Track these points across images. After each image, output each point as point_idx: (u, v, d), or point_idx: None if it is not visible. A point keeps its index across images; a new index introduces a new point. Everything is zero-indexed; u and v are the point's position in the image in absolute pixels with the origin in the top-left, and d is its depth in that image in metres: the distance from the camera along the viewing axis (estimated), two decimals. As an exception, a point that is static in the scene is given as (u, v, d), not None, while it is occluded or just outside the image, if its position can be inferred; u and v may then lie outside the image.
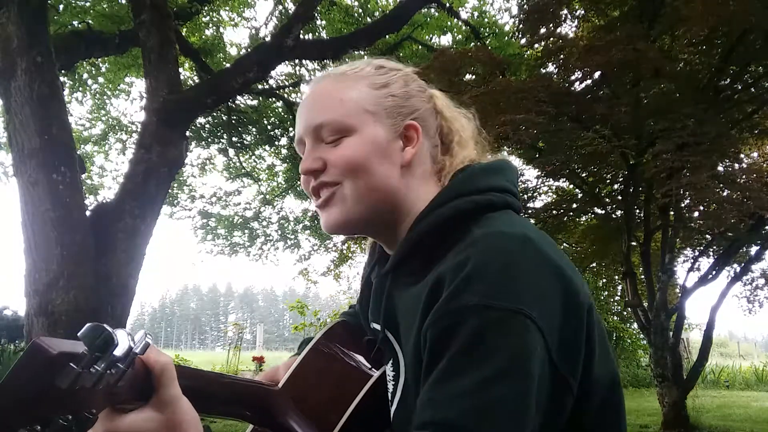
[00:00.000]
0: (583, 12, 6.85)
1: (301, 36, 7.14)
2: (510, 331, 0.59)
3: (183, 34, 8.67)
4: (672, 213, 6.04)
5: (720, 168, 5.74)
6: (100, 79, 10.44)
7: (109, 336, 0.48)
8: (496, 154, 0.86)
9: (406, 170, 0.77)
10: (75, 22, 8.32)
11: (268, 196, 12.74)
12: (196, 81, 9.73)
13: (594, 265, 9.03)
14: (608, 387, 0.68)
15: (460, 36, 10.52)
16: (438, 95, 0.86)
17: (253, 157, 12.49)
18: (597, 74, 6.19)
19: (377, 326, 0.82)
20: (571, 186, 7.83)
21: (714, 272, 6.36)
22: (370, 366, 0.83)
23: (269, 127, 11.45)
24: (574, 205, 8.02)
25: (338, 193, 0.76)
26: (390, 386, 0.77)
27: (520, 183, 7.98)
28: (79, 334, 0.48)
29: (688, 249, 7.68)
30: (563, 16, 6.51)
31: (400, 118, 0.78)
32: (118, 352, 0.49)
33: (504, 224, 0.69)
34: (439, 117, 0.84)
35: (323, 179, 0.77)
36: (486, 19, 10.48)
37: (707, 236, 6.92)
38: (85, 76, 10.05)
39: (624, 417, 0.71)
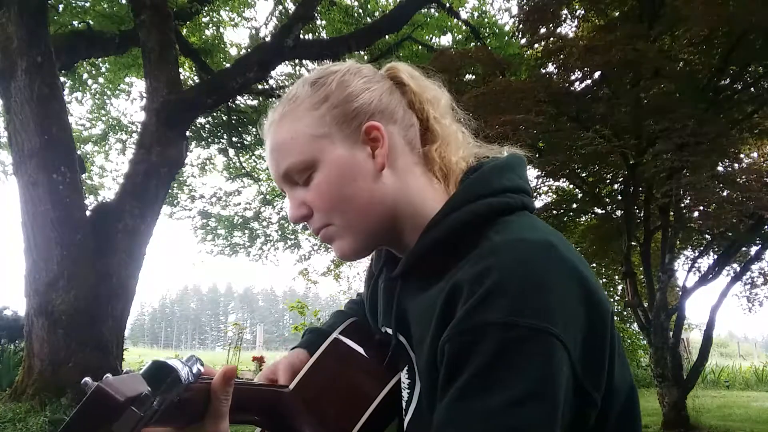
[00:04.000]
0: (583, 12, 6.85)
1: (301, 36, 7.14)
2: (536, 350, 0.56)
3: (183, 34, 8.68)
4: (672, 213, 6.04)
5: (720, 168, 5.74)
6: (100, 79, 10.46)
7: (177, 377, 0.47)
8: (501, 147, 0.81)
9: (387, 172, 0.73)
10: (75, 22, 8.32)
11: (268, 196, 12.75)
12: (196, 81, 9.73)
13: (594, 265, 9.02)
14: (626, 394, 0.66)
15: (460, 36, 10.53)
16: (401, 68, 0.80)
17: (253, 157, 12.50)
18: (597, 74, 6.19)
19: (389, 330, 0.79)
20: (571, 186, 7.82)
21: (714, 272, 6.36)
22: (383, 370, 0.79)
23: (269, 127, 11.44)
24: (574, 205, 8.02)
25: (333, 229, 0.74)
26: (405, 394, 0.74)
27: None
28: (141, 373, 0.47)
29: (688, 249, 7.68)
30: (563, 16, 6.51)
31: (355, 124, 0.73)
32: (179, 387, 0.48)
33: (524, 230, 0.65)
34: (408, 92, 0.78)
35: (315, 226, 0.74)
36: (486, 19, 10.50)
37: (707, 236, 6.92)
38: (85, 76, 10.06)
39: (640, 422, 0.69)
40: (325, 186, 0.71)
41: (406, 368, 0.75)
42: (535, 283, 0.59)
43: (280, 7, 10.33)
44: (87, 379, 0.45)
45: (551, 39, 6.35)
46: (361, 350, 0.83)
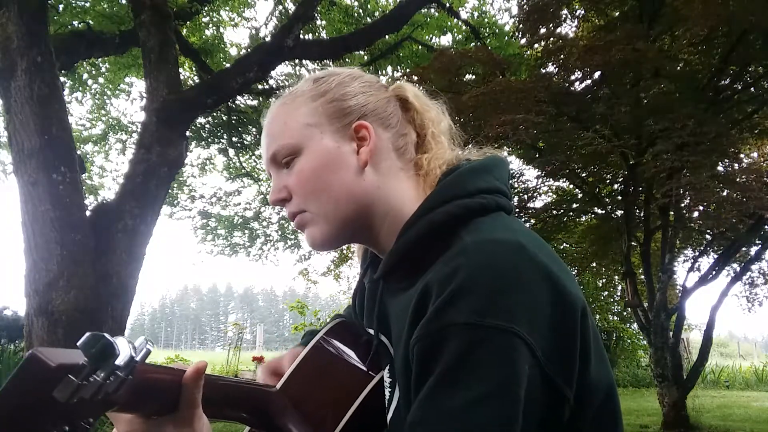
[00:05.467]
0: (583, 12, 6.85)
1: (301, 36, 7.14)
2: (498, 351, 0.58)
3: (183, 34, 8.67)
4: (672, 213, 6.04)
5: (720, 168, 5.74)
6: (100, 79, 10.44)
7: (110, 345, 0.47)
8: (482, 149, 0.82)
9: (369, 170, 0.75)
10: (75, 22, 8.32)
11: (268, 196, 12.74)
12: (196, 81, 9.73)
13: (594, 265, 9.03)
14: (604, 392, 0.67)
15: (460, 36, 10.52)
16: (406, 86, 0.84)
17: (253, 157, 12.49)
18: (597, 74, 6.19)
19: (371, 330, 0.81)
20: (571, 186, 7.82)
21: (714, 272, 6.36)
22: (369, 368, 0.81)
23: (269, 127, 11.43)
24: (574, 205, 8.03)
25: (307, 215, 0.76)
26: (387, 392, 0.76)
27: (520, 183, 8.01)
28: (78, 344, 0.47)
29: (688, 249, 7.69)
30: (563, 16, 6.51)
31: (346, 120, 0.76)
32: (119, 361, 0.48)
33: (496, 230, 0.66)
34: (411, 109, 0.82)
35: (290, 210, 0.77)
36: (486, 19, 10.49)
37: (707, 236, 6.92)
38: (85, 76, 10.05)
39: (621, 423, 0.70)
40: (305, 172, 0.75)
41: (387, 367, 0.77)
42: (502, 284, 0.60)
43: (280, 7, 10.33)
44: (29, 352, 0.45)
45: (551, 39, 6.36)
46: (346, 350, 0.85)
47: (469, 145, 0.85)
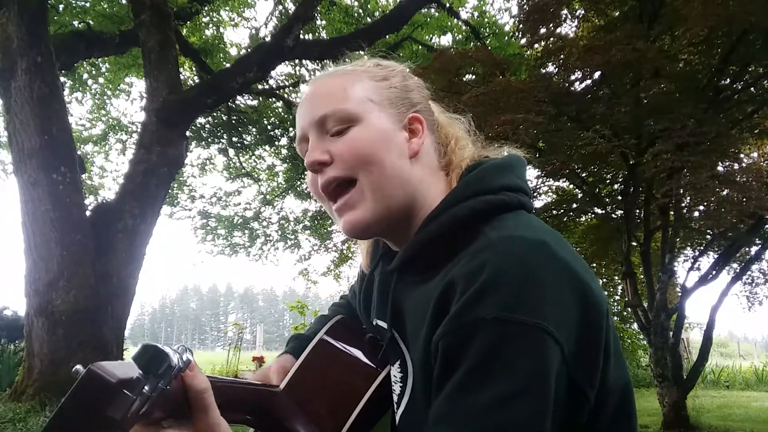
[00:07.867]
0: (583, 12, 6.85)
1: (301, 36, 7.14)
2: (528, 346, 0.57)
3: (183, 34, 8.67)
4: (672, 213, 6.04)
5: (720, 168, 5.74)
6: (100, 79, 10.45)
7: (168, 359, 0.46)
8: (501, 148, 0.83)
9: (415, 161, 0.75)
10: (75, 22, 8.33)
11: (268, 196, 12.75)
12: (196, 81, 9.73)
13: (594, 265, 9.02)
14: (621, 393, 0.66)
15: (460, 36, 10.53)
16: (432, 103, 0.86)
17: (253, 157, 12.50)
18: (597, 74, 6.19)
19: (381, 323, 0.80)
20: (571, 186, 7.82)
21: (714, 272, 6.35)
22: (373, 365, 0.80)
23: (269, 127, 11.46)
24: (574, 205, 8.02)
25: (355, 192, 0.73)
26: (397, 388, 0.75)
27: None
28: (132, 356, 0.46)
29: (688, 249, 7.69)
30: (563, 16, 6.50)
31: (404, 108, 0.77)
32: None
33: (519, 227, 0.66)
34: (436, 121, 0.83)
35: (332, 174, 0.74)
36: (486, 19, 10.50)
37: (707, 236, 6.92)
38: (85, 76, 10.06)
39: (636, 421, 0.69)
40: (362, 140, 0.73)
41: (398, 362, 0.76)
42: (527, 280, 0.60)
43: (280, 7, 10.33)
44: (78, 366, 0.44)
45: (551, 39, 6.35)
46: (348, 348, 0.84)
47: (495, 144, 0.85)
